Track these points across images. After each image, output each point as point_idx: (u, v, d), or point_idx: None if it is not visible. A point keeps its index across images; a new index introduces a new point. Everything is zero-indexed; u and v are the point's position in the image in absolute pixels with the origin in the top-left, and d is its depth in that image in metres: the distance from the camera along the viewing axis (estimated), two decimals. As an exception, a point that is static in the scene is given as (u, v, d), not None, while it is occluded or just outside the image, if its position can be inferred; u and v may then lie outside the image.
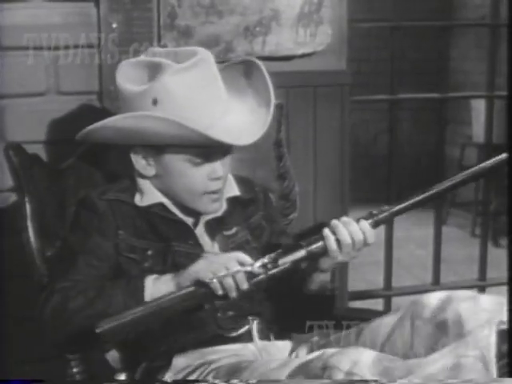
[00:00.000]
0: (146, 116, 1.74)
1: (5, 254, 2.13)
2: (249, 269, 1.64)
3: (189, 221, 1.89)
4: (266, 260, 1.66)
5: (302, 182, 2.32)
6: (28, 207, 1.78)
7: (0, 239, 2.11)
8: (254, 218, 2.00)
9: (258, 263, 1.65)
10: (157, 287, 1.68)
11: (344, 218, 1.76)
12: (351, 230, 1.74)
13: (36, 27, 2.11)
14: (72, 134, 1.83)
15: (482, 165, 1.86)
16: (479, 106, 5.57)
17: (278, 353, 1.89)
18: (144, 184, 1.86)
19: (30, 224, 1.78)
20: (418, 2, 6.09)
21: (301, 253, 1.70)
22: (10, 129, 2.12)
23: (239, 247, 1.87)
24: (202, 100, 1.77)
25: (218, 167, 1.81)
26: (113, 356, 1.83)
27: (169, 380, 1.74)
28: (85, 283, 1.71)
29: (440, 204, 3.15)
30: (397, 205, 1.79)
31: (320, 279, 1.88)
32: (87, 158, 1.90)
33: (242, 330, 1.86)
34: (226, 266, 1.63)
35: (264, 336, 1.90)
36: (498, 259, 3.97)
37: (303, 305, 1.92)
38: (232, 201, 1.95)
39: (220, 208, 1.90)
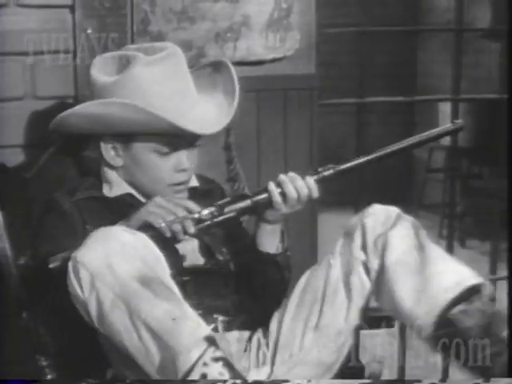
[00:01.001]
0: (114, 102, 1.80)
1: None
2: (196, 216, 1.72)
3: None
4: (212, 209, 1.75)
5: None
6: (1, 216, 1.82)
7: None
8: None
9: (206, 211, 1.74)
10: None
11: (290, 174, 1.84)
12: (297, 185, 1.82)
13: (12, 33, 2.16)
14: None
15: (432, 131, 1.96)
16: (446, 109, 5.68)
17: (239, 346, 1.93)
18: (111, 175, 1.92)
19: (4, 232, 1.82)
20: (386, 7, 6.19)
21: (246, 202, 1.81)
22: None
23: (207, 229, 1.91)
24: (171, 91, 1.83)
25: (185, 159, 1.87)
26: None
27: None
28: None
29: (408, 206, 3.23)
30: (342, 163, 1.88)
31: (269, 241, 1.95)
32: (51, 164, 1.96)
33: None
34: (174, 212, 1.71)
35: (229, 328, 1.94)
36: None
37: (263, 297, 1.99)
38: (191, 191, 1.99)
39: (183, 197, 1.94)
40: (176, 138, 1.84)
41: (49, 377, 1.74)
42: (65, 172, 1.97)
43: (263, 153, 2.50)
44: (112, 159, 1.91)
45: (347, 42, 6.35)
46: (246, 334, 1.96)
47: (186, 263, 1.94)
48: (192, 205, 1.76)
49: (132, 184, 1.93)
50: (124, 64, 1.85)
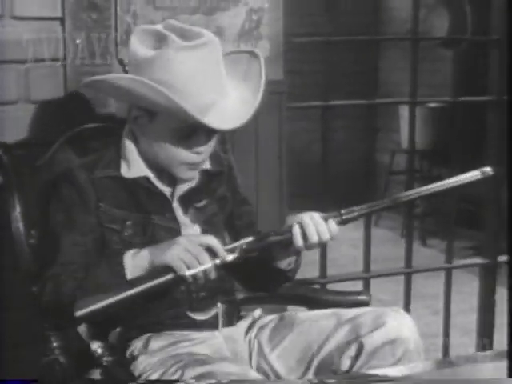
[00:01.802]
0: (143, 82, 1.82)
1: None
2: (218, 262, 1.78)
3: (167, 192, 2.00)
4: (236, 254, 1.81)
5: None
6: (16, 199, 1.99)
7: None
8: (220, 189, 2.12)
9: (230, 257, 1.80)
10: (135, 264, 1.80)
11: (316, 217, 1.87)
12: (319, 230, 1.86)
13: (8, 42, 2.34)
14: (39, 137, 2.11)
15: (460, 177, 1.95)
16: (406, 114, 5.88)
17: (239, 336, 2.06)
18: (131, 151, 1.97)
19: (18, 214, 1.99)
20: (350, 17, 6.34)
21: (268, 243, 1.87)
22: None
23: (208, 220, 2.05)
24: (199, 81, 1.85)
25: (202, 142, 1.92)
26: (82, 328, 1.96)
27: (141, 357, 1.92)
28: (72, 265, 1.84)
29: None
30: (364, 207, 1.90)
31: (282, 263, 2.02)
32: (60, 153, 2.09)
33: (210, 314, 2.02)
34: (198, 259, 1.75)
35: (228, 320, 2.06)
36: (425, 257, 4.28)
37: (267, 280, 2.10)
38: (203, 173, 2.05)
39: (195, 177, 2.02)
40: (197, 123, 1.86)
41: (58, 353, 1.90)
42: (72, 160, 2.04)
43: (235, 154, 2.66)
44: (135, 129, 1.96)
45: (313, 50, 6.54)
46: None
47: None
48: (216, 243, 1.80)
49: (148, 161, 1.97)
50: (160, 41, 1.87)
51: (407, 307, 3.13)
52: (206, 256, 1.76)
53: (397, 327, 1.91)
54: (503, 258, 3.23)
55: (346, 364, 1.92)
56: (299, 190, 5.96)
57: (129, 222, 1.94)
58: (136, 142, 1.97)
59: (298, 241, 1.87)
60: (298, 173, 6.57)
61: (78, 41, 2.40)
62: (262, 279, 2.10)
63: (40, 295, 1.85)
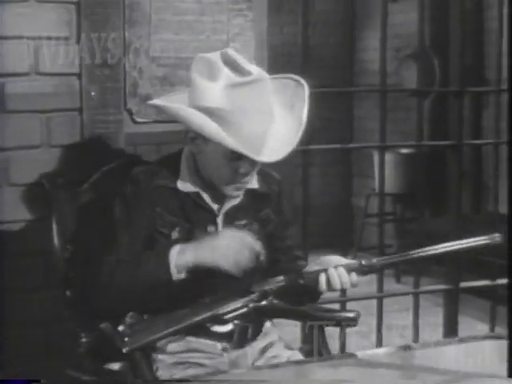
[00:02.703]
0: (193, 114, 2.05)
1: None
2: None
3: (215, 207, 2.22)
4: (266, 288, 2.08)
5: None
6: (54, 221, 2.37)
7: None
8: (264, 210, 2.31)
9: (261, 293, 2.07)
10: (180, 258, 2.05)
11: (340, 269, 2.10)
12: (342, 281, 2.11)
13: (33, 95, 2.72)
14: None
15: (469, 240, 2.09)
16: (379, 160, 6.26)
17: (244, 360, 2.23)
18: (188, 169, 2.20)
19: (55, 231, 2.36)
20: (326, 70, 6.76)
21: (298, 283, 2.12)
22: (14, 173, 2.72)
23: None
24: (247, 117, 2.04)
25: (247, 166, 2.12)
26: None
27: (159, 356, 2.18)
28: (126, 255, 2.10)
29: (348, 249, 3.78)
30: (384, 259, 2.15)
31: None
32: (99, 184, 2.44)
33: (227, 329, 2.20)
34: (249, 252, 2.03)
35: (242, 337, 2.25)
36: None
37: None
38: (249, 192, 2.24)
39: (240, 195, 2.23)
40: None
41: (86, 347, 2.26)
42: (114, 188, 2.28)
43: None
44: (193, 149, 2.17)
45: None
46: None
47: None
48: (254, 243, 2.05)
49: (201, 178, 2.19)
50: (215, 73, 2.06)
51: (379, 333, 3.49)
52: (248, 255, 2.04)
53: None
54: (466, 284, 3.61)
55: None
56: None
57: (177, 228, 2.17)
58: (193, 159, 2.21)
59: (323, 287, 2.13)
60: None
61: (92, 93, 2.77)
62: (295, 300, 2.29)
63: (96, 276, 2.11)
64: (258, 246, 2.06)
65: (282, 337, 2.41)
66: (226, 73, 2.05)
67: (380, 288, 3.54)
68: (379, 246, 3.77)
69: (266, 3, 3.14)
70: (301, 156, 3.43)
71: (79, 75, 2.77)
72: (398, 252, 6.44)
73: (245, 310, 2.05)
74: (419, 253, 2.13)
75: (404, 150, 6.66)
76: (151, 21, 2.93)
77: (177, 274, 2.07)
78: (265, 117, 2.09)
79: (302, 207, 3.39)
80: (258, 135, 2.07)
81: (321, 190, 7.25)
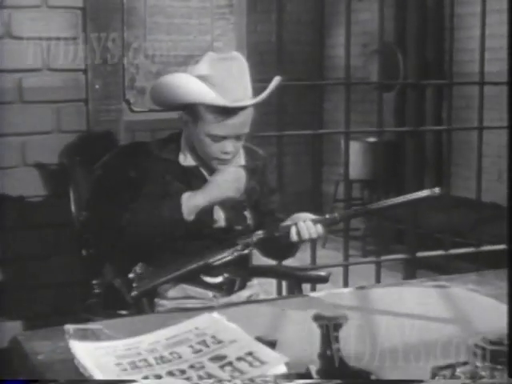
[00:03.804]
0: (187, 76, 2.50)
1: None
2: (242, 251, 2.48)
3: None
4: (249, 240, 2.49)
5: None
6: (72, 189, 2.81)
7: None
8: (251, 182, 2.64)
9: (248, 243, 2.49)
10: (191, 200, 2.47)
11: (308, 222, 2.47)
12: (310, 232, 2.47)
13: (44, 88, 3.14)
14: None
15: (415, 194, 2.43)
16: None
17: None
18: (186, 148, 2.61)
19: (72, 197, 2.80)
20: (296, 64, 7.13)
21: (274, 234, 2.51)
22: (28, 155, 3.15)
23: (235, 205, 2.62)
24: (224, 80, 2.47)
25: (230, 146, 2.52)
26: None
27: (160, 301, 2.53)
28: (143, 204, 2.51)
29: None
30: (344, 213, 2.64)
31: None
32: (113, 161, 2.81)
33: (218, 280, 2.60)
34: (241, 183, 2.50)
35: (230, 288, 2.63)
36: (366, 271, 4.97)
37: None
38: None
39: None
40: (224, 128, 2.48)
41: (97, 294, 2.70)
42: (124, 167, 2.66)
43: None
44: (187, 131, 2.57)
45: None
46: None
47: (216, 225, 2.61)
48: (243, 173, 2.51)
49: (196, 155, 2.59)
50: (203, 57, 2.52)
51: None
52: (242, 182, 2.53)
53: None
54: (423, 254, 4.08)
55: None
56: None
57: (181, 194, 2.52)
58: (189, 140, 2.62)
59: (294, 237, 2.50)
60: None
61: (96, 86, 3.19)
62: (276, 253, 2.77)
63: (120, 217, 2.50)
64: (245, 175, 2.51)
65: (264, 290, 2.84)
66: (210, 54, 2.54)
67: (346, 257, 3.99)
68: (345, 230, 4.15)
69: (245, 8, 3.57)
70: (275, 143, 3.81)
71: (85, 71, 3.18)
72: (365, 234, 6.93)
73: (230, 258, 2.46)
74: (372, 206, 2.61)
75: (370, 139, 7.06)
76: (146, 23, 3.35)
77: (187, 215, 2.48)
78: (242, 82, 2.53)
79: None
80: (236, 92, 2.50)
81: (293, 178, 7.62)
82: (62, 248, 3.15)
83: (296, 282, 2.86)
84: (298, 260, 3.01)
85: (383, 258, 4.07)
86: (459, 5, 6.92)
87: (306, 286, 3.02)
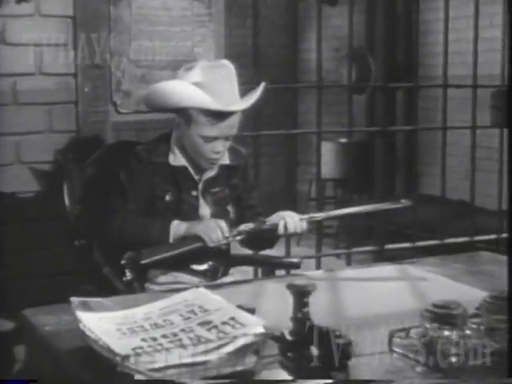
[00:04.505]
0: (184, 84, 2.72)
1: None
2: (229, 239, 2.72)
3: (197, 178, 2.83)
4: (240, 229, 2.73)
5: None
6: (66, 184, 3.02)
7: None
8: (234, 179, 2.92)
9: (235, 233, 2.71)
10: (177, 229, 2.69)
11: (296, 219, 2.74)
12: (296, 227, 2.74)
13: (37, 91, 3.37)
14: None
15: (384, 204, 2.84)
16: (322, 148, 6.85)
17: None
18: (176, 149, 2.81)
19: (66, 191, 3.01)
20: (272, 68, 7.34)
21: (262, 227, 2.75)
22: (23, 153, 3.39)
23: (219, 201, 2.88)
24: (216, 85, 2.71)
25: (219, 146, 2.76)
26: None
27: (150, 286, 2.77)
28: (134, 214, 2.73)
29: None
30: (325, 214, 2.88)
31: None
32: (102, 158, 3.09)
33: (203, 267, 2.85)
34: (217, 234, 2.66)
35: (214, 275, 2.87)
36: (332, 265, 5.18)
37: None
38: (222, 166, 2.87)
39: (215, 169, 2.85)
40: (216, 129, 2.71)
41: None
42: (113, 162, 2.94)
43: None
44: (178, 133, 2.78)
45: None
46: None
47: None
48: (225, 228, 2.68)
49: (187, 155, 2.80)
50: (194, 65, 2.76)
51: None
52: (219, 233, 2.68)
53: None
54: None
55: None
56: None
57: (170, 193, 2.81)
58: (181, 141, 2.83)
59: (281, 231, 2.76)
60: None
61: (85, 89, 3.43)
62: (258, 244, 3.00)
63: (110, 224, 2.77)
64: (225, 226, 2.70)
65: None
66: (202, 62, 2.79)
67: (319, 250, 4.25)
68: (318, 228, 4.40)
69: (223, 16, 3.83)
70: (251, 142, 4.00)
71: (75, 75, 3.44)
72: (337, 231, 7.15)
73: (224, 241, 2.73)
74: (345, 211, 2.93)
75: (342, 140, 7.30)
76: (131, 30, 3.61)
77: (172, 240, 2.73)
78: (231, 87, 2.77)
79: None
80: (227, 97, 2.74)
81: (269, 177, 7.79)
82: (55, 240, 3.38)
83: (271, 269, 3.11)
84: (273, 252, 3.26)
85: (353, 250, 4.32)
86: (428, 11, 7.25)
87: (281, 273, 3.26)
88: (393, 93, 7.53)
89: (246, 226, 2.76)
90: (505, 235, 4.59)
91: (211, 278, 2.91)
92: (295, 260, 3.12)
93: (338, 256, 6.97)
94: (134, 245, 2.69)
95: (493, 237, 4.59)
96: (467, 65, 4.67)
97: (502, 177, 4.69)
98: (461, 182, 5.93)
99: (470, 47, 4.63)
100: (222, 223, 2.71)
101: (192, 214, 2.84)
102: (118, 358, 1.69)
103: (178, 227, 2.74)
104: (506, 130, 4.61)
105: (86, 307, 2.00)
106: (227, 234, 2.70)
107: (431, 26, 7.27)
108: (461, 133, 5.38)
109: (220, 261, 2.93)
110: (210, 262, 2.90)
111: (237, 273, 3.05)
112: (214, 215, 2.88)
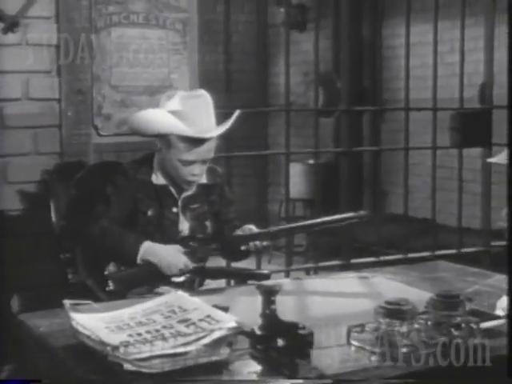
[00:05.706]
0: (161, 112, 2.96)
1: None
2: (186, 275, 2.96)
3: (177, 196, 3.05)
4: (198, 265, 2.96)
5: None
6: (52, 201, 3.27)
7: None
8: (212, 196, 3.14)
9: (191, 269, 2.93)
10: (146, 251, 2.87)
11: (256, 234, 2.96)
12: (256, 243, 2.96)
13: (23, 115, 3.58)
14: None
15: (343, 215, 2.97)
16: (293, 170, 7.00)
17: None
18: (158, 169, 3.03)
19: (53, 208, 3.26)
20: (243, 93, 7.56)
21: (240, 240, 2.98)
22: (10, 174, 3.60)
23: (197, 216, 3.10)
24: (193, 115, 2.93)
25: (197, 169, 2.98)
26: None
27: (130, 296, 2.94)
28: (114, 223, 2.94)
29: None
30: (284, 228, 3.16)
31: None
32: (86, 177, 3.35)
33: (180, 279, 3.02)
34: (176, 268, 2.90)
35: (191, 285, 3.07)
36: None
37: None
38: (200, 185, 3.09)
39: (193, 188, 3.06)
40: (193, 154, 2.93)
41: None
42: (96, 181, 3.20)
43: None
44: (160, 156, 3.00)
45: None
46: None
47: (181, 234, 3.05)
48: (184, 259, 2.89)
49: (168, 175, 3.02)
50: (173, 94, 2.99)
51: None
52: (178, 268, 2.92)
53: None
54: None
55: None
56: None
57: (152, 209, 3.03)
58: (161, 163, 3.06)
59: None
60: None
61: (69, 113, 3.65)
62: (233, 255, 3.21)
63: (91, 230, 2.98)
64: (186, 260, 2.92)
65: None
66: (181, 92, 3.02)
67: (289, 264, 4.50)
68: (287, 246, 4.64)
69: (196, 44, 4.09)
70: (224, 164, 4.22)
71: (59, 100, 3.66)
72: (307, 249, 7.38)
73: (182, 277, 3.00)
74: (304, 224, 3.12)
75: (310, 161, 7.53)
76: (112, 58, 3.86)
77: (139, 260, 2.92)
78: (208, 115, 3.00)
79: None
80: (204, 124, 2.98)
81: (241, 198, 7.97)
82: (41, 254, 3.60)
83: (242, 280, 3.33)
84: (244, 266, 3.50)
85: (320, 264, 4.58)
86: (393, 37, 7.55)
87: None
88: (359, 116, 7.83)
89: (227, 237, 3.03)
90: (465, 250, 4.88)
91: (188, 289, 3.10)
92: (265, 271, 3.35)
93: (307, 272, 7.27)
94: (109, 254, 2.96)
95: (453, 251, 4.86)
96: (430, 89, 4.92)
97: (461, 195, 4.98)
98: (425, 201, 6.19)
99: (431, 72, 4.90)
100: (183, 258, 2.92)
101: (172, 229, 3.07)
102: (108, 349, 1.94)
103: (146, 249, 2.92)
104: (463, 151, 4.95)
105: (77, 309, 2.23)
106: (186, 269, 2.92)
107: (396, 52, 7.53)
108: (424, 153, 5.65)
109: (195, 273, 3.13)
110: (187, 274, 3.10)
111: (212, 283, 3.27)
112: (193, 230, 3.10)
